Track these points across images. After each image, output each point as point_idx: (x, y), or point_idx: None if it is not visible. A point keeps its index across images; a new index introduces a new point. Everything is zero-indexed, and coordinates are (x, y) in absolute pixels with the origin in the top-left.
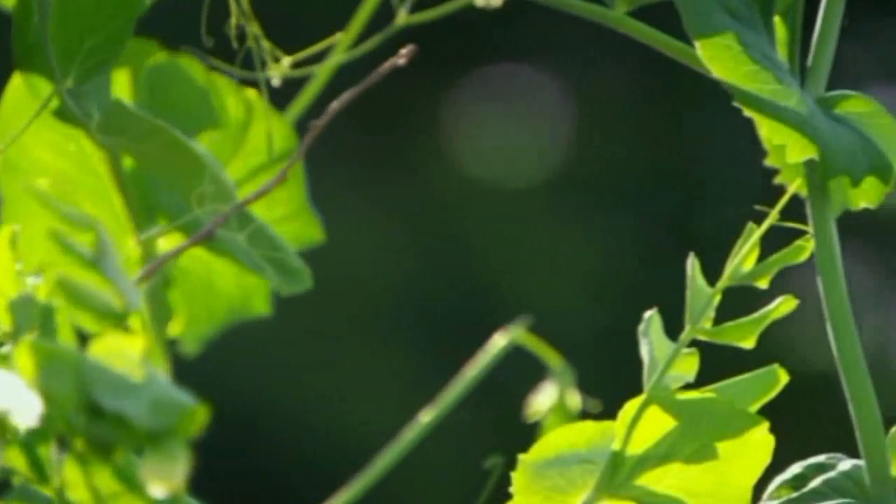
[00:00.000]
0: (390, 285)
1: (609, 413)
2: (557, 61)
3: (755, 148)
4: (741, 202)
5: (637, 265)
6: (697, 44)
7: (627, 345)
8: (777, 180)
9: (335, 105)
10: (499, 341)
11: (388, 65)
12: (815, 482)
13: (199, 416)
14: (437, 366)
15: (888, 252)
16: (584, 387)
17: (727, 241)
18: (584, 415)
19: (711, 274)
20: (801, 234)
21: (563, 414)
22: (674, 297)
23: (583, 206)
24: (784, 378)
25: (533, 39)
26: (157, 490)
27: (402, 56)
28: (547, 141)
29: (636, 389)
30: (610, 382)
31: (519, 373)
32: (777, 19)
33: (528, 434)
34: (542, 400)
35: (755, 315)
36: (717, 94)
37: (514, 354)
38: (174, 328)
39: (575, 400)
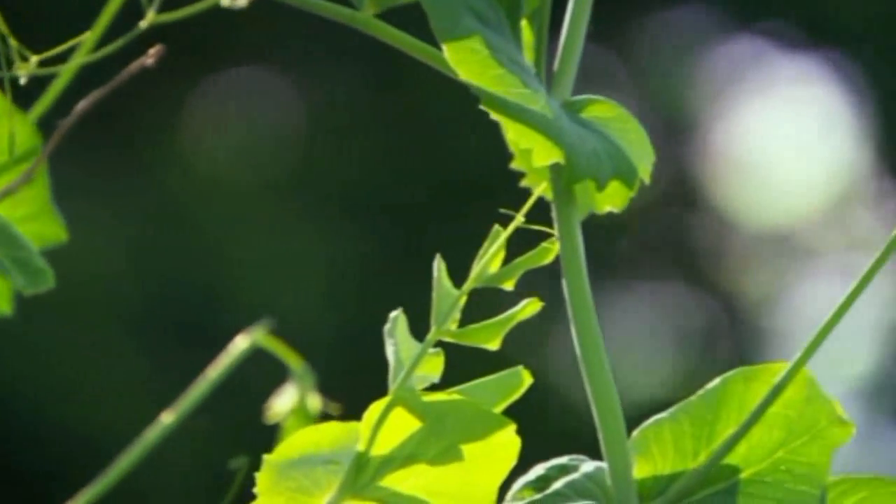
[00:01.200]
0: (128, 284)
1: (352, 414)
2: (294, 64)
3: (501, 151)
4: (486, 205)
5: (378, 266)
6: (445, 47)
7: (368, 345)
8: (523, 183)
9: (82, 105)
10: (240, 343)
11: (136, 65)
12: (557, 484)
13: None
14: (178, 367)
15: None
16: (325, 388)
17: (471, 244)
18: (325, 416)
19: (458, 276)
20: (549, 236)
21: (304, 415)
22: (419, 297)
23: (322, 207)
24: (528, 379)
25: (272, 43)
26: None
27: (151, 56)
28: (284, 142)
29: (377, 390)
30: (350, 383)
31: (261, 374)
32: (524, 23)
33: (271, 435)
34: (283, 401)
35: (500, 317)
36: (460, 97)
37: (256, 356)
38: None
39: (315, 401)
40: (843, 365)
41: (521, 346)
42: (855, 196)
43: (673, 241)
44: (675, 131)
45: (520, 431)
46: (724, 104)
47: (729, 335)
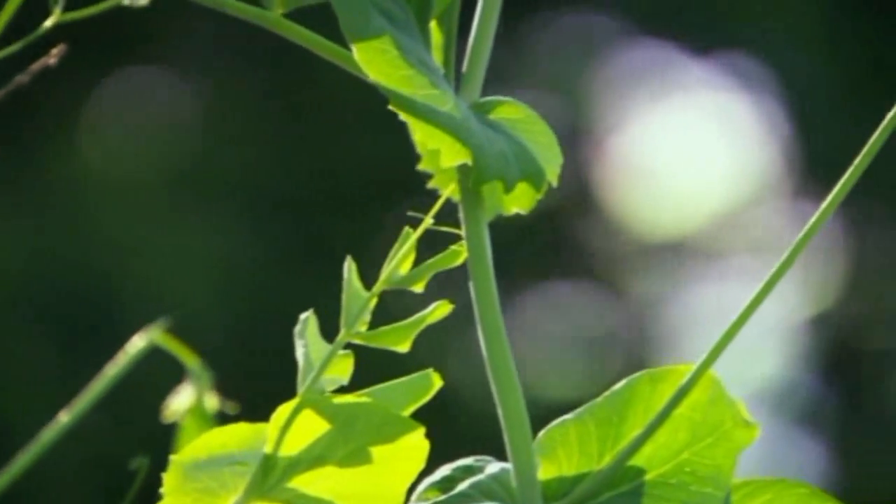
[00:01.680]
0: (24, 282)
1: (249, 414)
2: (194, 62)
3: (409, 151)
4: (396, 205)
5: (277, 265)
6: (354, 47)
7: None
8: (430, 185)
9: None
10: (137, 342)
11: (39, 64)
12: (463, 485)
13: None
14: (75, 365)
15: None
16: (222, 387)
17: (375, 244)
18: (222, 415)
19: (369, 277)
20: (460, 238)
21: (201, 414)
22: (322, 297)
23: (222, 206)
24: (438, 382)
25: (171, 41)
26: None
27: (54, 55)
28: (183, 140)
29: (276, 389)
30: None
31: (158, 373)
32: (433, 24)
33: (169, 434)
34: (180, 400)
35: (410, 319)
36: (367, 96)
37: (153, 355)
38: None
39: (212, 400)
40: (747, 368)
41: (427, 347)
42: (756, 199)
43: (572, 244)
44: (576, 135)
45: (427, 432)
46: (625, 108)
47: (628, 337)
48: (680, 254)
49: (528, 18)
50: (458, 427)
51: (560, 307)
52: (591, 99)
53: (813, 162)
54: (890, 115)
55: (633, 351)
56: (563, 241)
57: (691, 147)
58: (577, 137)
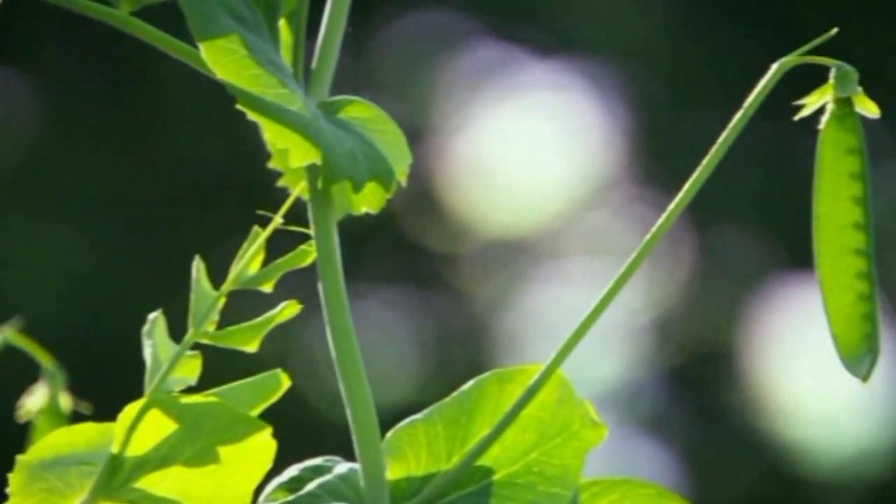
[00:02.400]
0: None
1: (103, 414)
2: (36, 62)
3: (261, 151)
4: (244, 205)
5: (127, 265)
6: (202, 46)
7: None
8: (280, 183)
9: None
10: None
11: None
12: (311, 485)
13: None
14: None
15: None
16: (75, 387)
17: (227, 244)
18: (76, 415)
19: (216, 277)
20: (310, 238)
21: (55, 414)
22: (174, 298)
23: (74, 206)
24: (286, 382)
25: (9, 40)
26: None
27: None
28: (28, 141)
29: (127, 390)
30: (101, 382)
31: (11, 373)
32: (282, 24)
33: (22, 433)
34: (33, 400)
35: (258, 319)
36: (217, 95)
37: (6, 354)
38: None
39: (66, 400)
40: (592, 370)
41: (277, 346)
42: (598, 201)
43: (415, 245)
44: (420, 135)
45: (275, 432)
46: (469, 109)
47: (471, 338)
48: (523, 255)
49: (373, 18)
50: (306, 426)
51: (403, 308)
52: (435, 99)
53: (655, 163)
54: (736, 118)
55: (476, 352)
56: (406, 242)
57: (534, 148)
58: (420, 138)
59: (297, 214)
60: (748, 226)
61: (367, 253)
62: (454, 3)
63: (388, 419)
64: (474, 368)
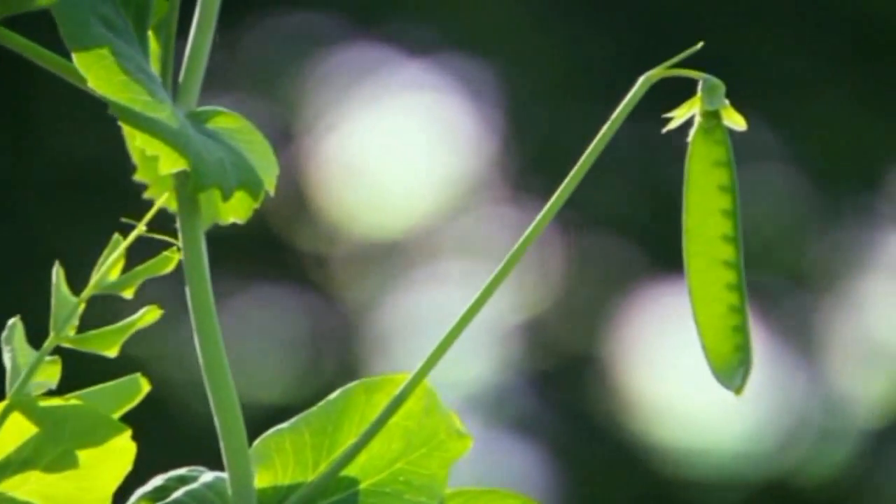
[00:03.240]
0: None
1: None
2: None
3: (126, 158)
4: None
5: None
6: (73, 55)
7: None
8: (148, 193)
9: None
10: None
11: None
12: (177, 494)
13: None
14: None
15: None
16: None
17: (92, 250)
18: None
19: (78, 283)
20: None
21: None
22: (34, 303)
23: None
24: (146, 386)
25: None
26: None
27: None
28: None
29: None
30: None
31: None
32: (151, 32)
33: None
34: None
35: (119, 324)
36: (83, 99)
37: None
38: None
39: None
40: (459, 373)
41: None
42: (470, 203)
43: (285, 247)
44: (290, 136)
45: (141, 440)
46: (341, 109)
47: (341, 341)
48: (394, 256)
49: (242, 19)
50: (174, 435)
51: (274, 309)
52: (307, 100)
53: (527, 165)
54: (602, 130)
55: (346, 354)
56: (276, 244)
57: (406, 149)
58: (292, 138)
59: (167, 221)
60: (618, 229)
61: (237, 252)
62: (325, 2)
63: (259, 420)
64: (345, 370)
